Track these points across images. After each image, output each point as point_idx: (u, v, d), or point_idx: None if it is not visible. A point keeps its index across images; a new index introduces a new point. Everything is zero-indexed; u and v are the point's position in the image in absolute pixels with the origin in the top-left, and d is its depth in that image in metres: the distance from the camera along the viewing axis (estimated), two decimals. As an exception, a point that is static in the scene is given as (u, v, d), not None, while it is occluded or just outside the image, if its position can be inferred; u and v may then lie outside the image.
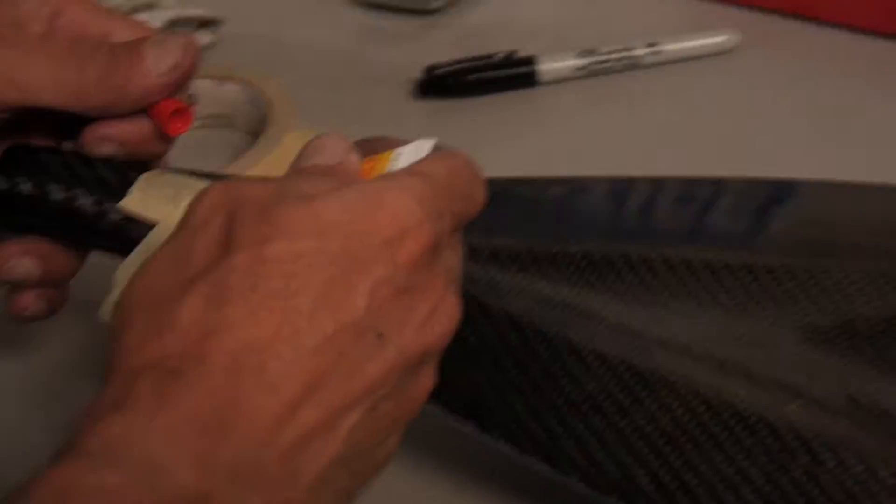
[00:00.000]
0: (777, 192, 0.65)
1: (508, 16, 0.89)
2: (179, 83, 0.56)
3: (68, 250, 0.57)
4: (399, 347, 0.43)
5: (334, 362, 0.42)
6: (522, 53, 0.83)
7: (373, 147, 0.51)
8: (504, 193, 0.62)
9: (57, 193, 0.55)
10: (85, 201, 0.55)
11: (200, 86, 0.79)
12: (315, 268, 0.42)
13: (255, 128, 0.80)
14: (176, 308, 0.42)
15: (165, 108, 0.56)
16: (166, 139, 0.57)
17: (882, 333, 0.56)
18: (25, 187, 0.55)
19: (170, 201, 0.56)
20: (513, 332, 0.54)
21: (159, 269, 0.44)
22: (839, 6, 0.83)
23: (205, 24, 0.88)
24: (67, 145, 0.59)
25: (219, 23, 0.88)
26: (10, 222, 0.57)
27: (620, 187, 0.64)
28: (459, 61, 0.82)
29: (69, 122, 0.56)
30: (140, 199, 0.55)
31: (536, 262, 0.58)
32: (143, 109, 0.56)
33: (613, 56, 0.81)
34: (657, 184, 0.65)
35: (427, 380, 0.45)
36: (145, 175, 0.56)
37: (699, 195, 0.64)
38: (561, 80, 0.82)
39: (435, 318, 0.44)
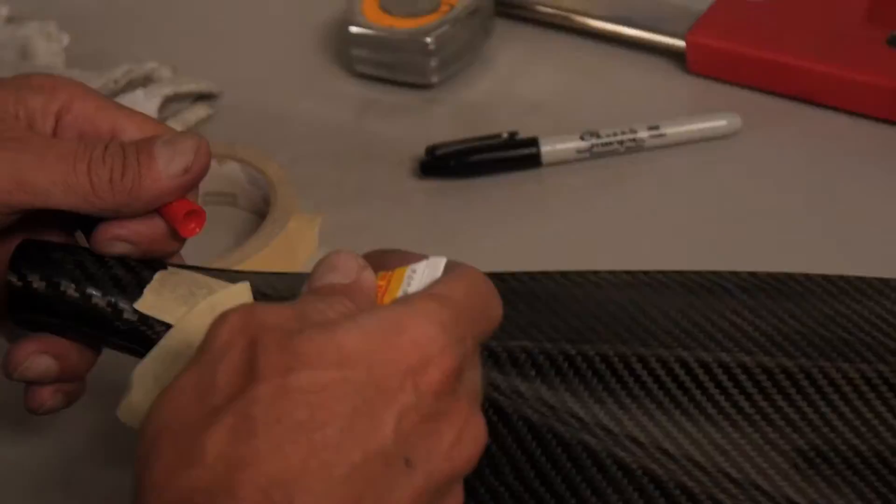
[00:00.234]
0: (789, 289, 0.65)
1: (508, 90, 0.89)
2: (191, 185, 0.55)
3: (83, 347, 0.56)
4: (427, 473, 0.43)
5: (363, 492, 0.42)
6: (523, 131, 0.83)
7: (383, 260, 0.51)
8: (518, 290, 0.62)
9: (70, 293, 0.55)
10: (99, 301, 0.55)
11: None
12: (340, 398, 0.42)
13: (257, 207, 0.79)
14: (202, 439, 0.42)
15: (178, 209, 0.55)
16: (179, 239, 0.56)
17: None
18: (38, 286, 0.55)
19: (184, 302, 0.55)
20: (533, 441, 0.54)
21: (182, 397, 0.43)
22: (841, 90, 0.83)
23: (201, 97, 0.87)
24: (79, 237, 0.59)
25: (215, 96, 0.87)
26: (23, 320, 0.56)
27: (633, 281, 0.64)
28: (461, 141, 0.82)
29: (80, 216, 0.56)
30: (154, 301, 0.55)
31: (555, 365, 0.57)
32: (155, 209, 0.55)
33: (616, 139, 0.81)
34: (670, 278, 0.65)
35: (455, 499, 0.45)
36: (159, 275, 0.56)
37: (715, 290, 0.64)
38: (563, 162, 0.82)
39: (462, 441, 0.44)
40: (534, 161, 0.81)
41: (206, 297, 0.55)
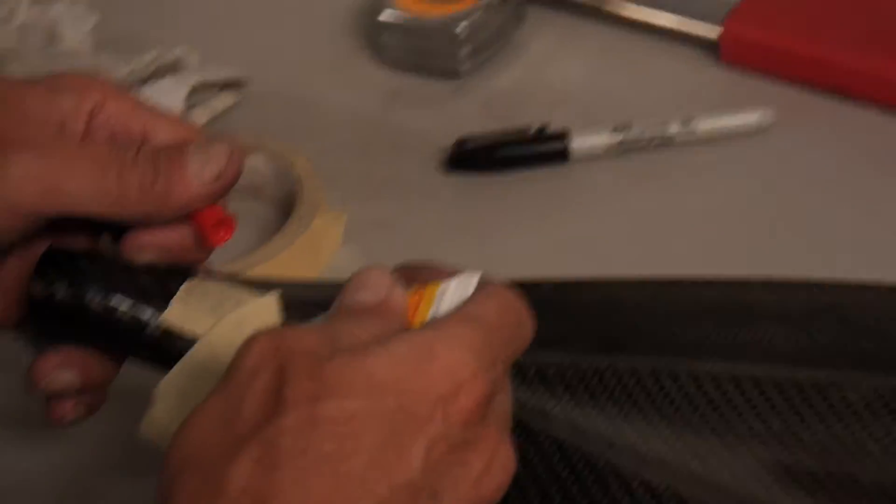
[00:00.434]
0: (825, 296, 0.64)
1: (537, 79, 0.88)
2: (222, 193, 0.54)
3: (106, 358, 0.56)
4: None
5: None
6: (552, 123, 0.82)
7: (414, 274, 0.50)
8: (546, 299, 0.61)
9: (96, 303, 0.54)
10: (124, 313, 0.54)
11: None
12: (368, 428, 0.41)
13: (283, 201, 0.78)
14: (226, 471, 0.41)
15: (208, 217, 0.54)
16: (208, 247, 0.55)
17: None
18: (63, 296, 0.54)
19: (211, 313, 0.54)
20: (560, 461, 0.53)
21: (207, 424, 0.43)
22: (879, 86, 0.81)
23: (227, 85, 0.86)
24: (105, 239, 0.58)
25: (242, 84, 0.87)
26: (47, 330, 0.55)
27: (663, 289, 0.63)
28: (489, 135, 0.81)
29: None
30: (181, 312, 0.54)
31: (584, 381, 0.57)
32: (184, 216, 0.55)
33: (647, 135, 0.80)
34: (701, 285, 0.64)
35: None
36: (186, 285, 0.55)
37: (747, 298, 0.63)
38: (593, 158, 0.81)
39: (491, 471, 0.44)
40: (563, 156, 0.81)
41: (234, 310, 0.54)
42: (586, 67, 0.89)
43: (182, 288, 0.55)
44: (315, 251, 0.74)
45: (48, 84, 0.56)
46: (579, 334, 0.60)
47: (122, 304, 0.54)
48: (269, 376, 0.43)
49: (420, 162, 0.82)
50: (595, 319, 0.61)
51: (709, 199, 0.78)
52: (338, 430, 0.41)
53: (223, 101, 0.86)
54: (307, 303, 0.56)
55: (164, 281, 0.55)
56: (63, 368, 0.54)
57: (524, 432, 0.53)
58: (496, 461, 0.44)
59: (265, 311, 0.54)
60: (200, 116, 0.84)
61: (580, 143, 0.80)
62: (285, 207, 0.78)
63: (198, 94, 0.84)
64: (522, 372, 0.56)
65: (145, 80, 0.84)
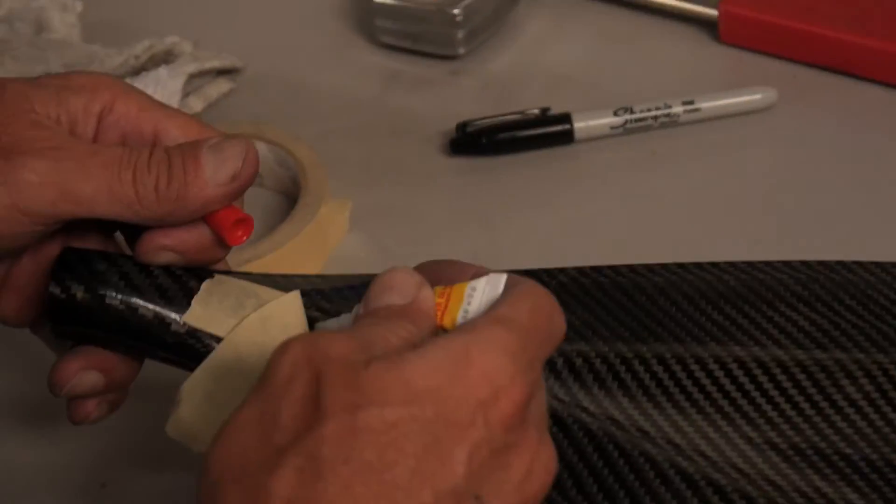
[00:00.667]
0: (843, 279, 0.63)
1: (536, 60, 0.87)
2: (239, 193, 0.54)
3: (128, 358, 0.55)
4: None
5: None
6: (551, 104, 0.81)
7: (438, 273, 0.49)
8: (569, 287, 0.61)
9: (116, 305, 0.53)
10: (146, 314, 0.53)
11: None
12: (409, 437, 0.41)
13: (286, 188, 0.77)
14: (268, 482, 0.40)
15: (225, 217, 0.54)
16: (225, 246, 0.55)
17: None
18: (82, 297, 0.53)
19: (233, 312, 0.54)
20: (595, 452, 0.52)
21: (244, 434, 0.42)
22: (880, 62, 0.81)
23: (223, 72, 0.85)
24: (119, 238, 0.57)
25: (237, 71, 0.85)
26: (66, 332, 0.54)
27: (684, 274, 0.63)
28: (492, 118, 0.80)
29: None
30: (201, 313, 0.53)
31: (612, 370, 0.56)
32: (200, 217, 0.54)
33: (650, 114, 0.80)
34: (722, 269, 0.63)
35: None
36: (205, 284, 0.54)
37: (768, 282, 0.62)
38: (596, 138, 0.80)
39: (533, 472, 0.43)
40: (566, 137, 0.80)
41: (256, 308, 0.53)
42: (583, 48, 0.88)
43: (202, 287, 0.54)
44: (322, 239, 0.73)
45: (56, 83, 0.55)
46: (604, 322, 0.59)
47: (143, 305, 0.53)
48: (305, 384, 0.42)
49: (421, 145, 0.81)
50: (618, 306, 0.60)
51: (715, 178, 0.78)
52: (379, 439, 0.41)
53: (219, 87, 0.85)
54: (327, 297, 0.55)
55: (183, 281, 0.54)
56: (86, 371, 0.54)
57: (558, 424, 0.53)
58: (538, 462, 0.43)
59: (288, 309, 0.54)
60: (196, 104, 0.83)
61: (583, 124, 0.79)
62: (288, 194, 0.77)
63: (193, 81, 0.83)
64: (551, 363, 0.55)
65: (139, 71, 0.82)
